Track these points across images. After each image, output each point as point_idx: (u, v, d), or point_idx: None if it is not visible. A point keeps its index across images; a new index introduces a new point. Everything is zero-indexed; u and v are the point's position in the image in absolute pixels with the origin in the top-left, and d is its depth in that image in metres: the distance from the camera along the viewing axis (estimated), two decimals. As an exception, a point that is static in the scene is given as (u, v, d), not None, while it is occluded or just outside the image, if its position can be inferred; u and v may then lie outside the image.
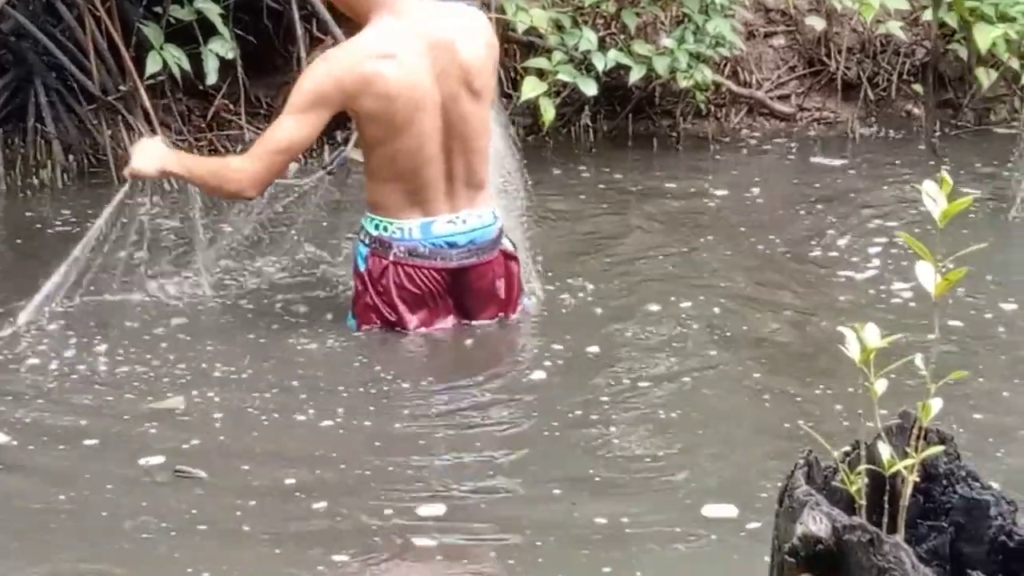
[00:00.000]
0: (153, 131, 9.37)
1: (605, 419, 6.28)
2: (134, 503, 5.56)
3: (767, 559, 3.84)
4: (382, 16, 6.76)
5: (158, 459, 5.85)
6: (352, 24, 7.12)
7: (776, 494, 3.97)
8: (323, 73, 6.71)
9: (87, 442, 6.12)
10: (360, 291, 6.97)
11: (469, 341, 7.04)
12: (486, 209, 7.03)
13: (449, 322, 7.06)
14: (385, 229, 6.86)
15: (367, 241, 6.90)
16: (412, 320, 6.95)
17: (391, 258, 6.86)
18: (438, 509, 5.50)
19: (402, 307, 6.92)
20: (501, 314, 7.17)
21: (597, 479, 5.79)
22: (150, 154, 6.74)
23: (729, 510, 5.52)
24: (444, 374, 6.78)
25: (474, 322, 7.12)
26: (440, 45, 6.83)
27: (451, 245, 6.92)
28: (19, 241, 8.59)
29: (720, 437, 6.16)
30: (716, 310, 7.50)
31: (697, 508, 5.59)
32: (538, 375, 6.65)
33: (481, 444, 6.10)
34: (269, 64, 9.94)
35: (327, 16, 9.45)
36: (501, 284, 7.15)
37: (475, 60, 6.90)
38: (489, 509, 5.62)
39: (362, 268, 6.92)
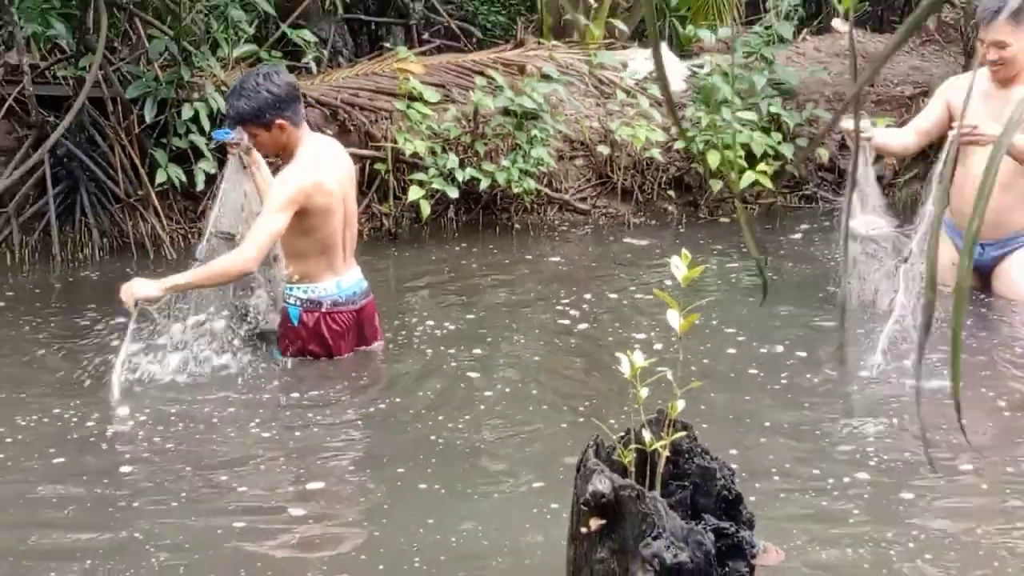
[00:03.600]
0: (162, 225, 9.33)
1: (446, 417, 6.27)
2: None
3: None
4: (306, 146, 6.75)
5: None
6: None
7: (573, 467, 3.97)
8: (293, 183, 6.60)
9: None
10: (292, 338, 6.87)
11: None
12: (357, 267, 7.07)
13: (354, 347, 7.02)
14: (313, 292, 6.83)
15: (298, 304, 6.83)
16: (342, 348, 6.92)
17: (323, 310, 6.84)
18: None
19: (332, 342, 6.87)
20: (381, 340, 7.18)
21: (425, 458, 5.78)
22: (147, 283, 6.50)
23: (542, 477, 5.53)
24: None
25: (372, 346, 7.11)
26: (340, 161, 6.94)
27: (354, 293, 6.93)
28: (69, 293, 8.50)
29: (534, 430, 6.15)
30: (540, 343, 7.50)
31: (520, 475, 5.59)
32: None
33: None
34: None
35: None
36: (377, 317, 7.19)
37: (352, 170, 7.06)
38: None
39: (296, 323, 6.85)
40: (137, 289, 6.45)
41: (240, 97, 6.65)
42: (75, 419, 6.17)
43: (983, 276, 7.70)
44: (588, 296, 8.31)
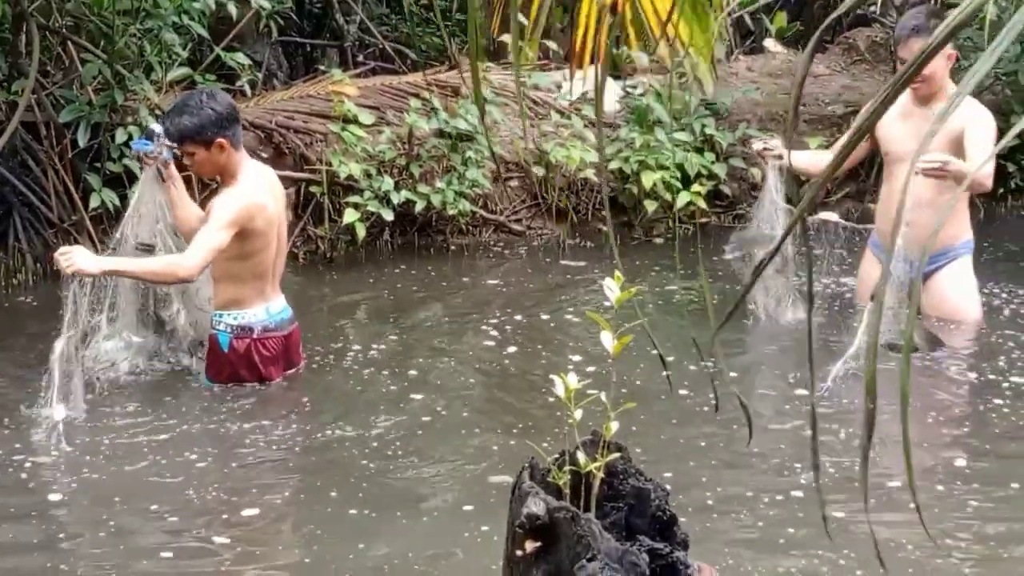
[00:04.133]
0: (96, 250, 9.26)
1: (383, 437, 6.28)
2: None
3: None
4: (247, 170, 6.80)
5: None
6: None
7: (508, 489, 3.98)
8: (237, 204, 6.63)
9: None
10: (222, 364, 6.84)
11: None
12: (282, 295, 7.07)
13: (283, 372, 7.02)
14: (243, 318, 6.81)
15: (228, 331, 6.81)
16: (272, 373, 6.90)
17: (254, 336, 6.82)
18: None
19: (263, 368, 6.86)
20: (304, 361, 7.18)
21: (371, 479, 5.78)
22: (88, 257, 6.47)
23: (473, 500, 5.55)
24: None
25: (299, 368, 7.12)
26: (277, 189, 6.98)
27: (282, 319, 6.93)
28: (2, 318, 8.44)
29: (467, 453, 6.17)
30: (475, 366, 7.51)
31: (452, 498, 5.61)
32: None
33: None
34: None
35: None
36: (300, 342, 7.19)
37: (284, 198, 7.14)
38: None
39: (226, 349, 6.82)
40: (79, 259, 6.38)
41: (183, 114, 6.65)
42: (1, 451, 6.12)
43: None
44: (523, 318, 8.34)
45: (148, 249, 6.86)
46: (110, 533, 5.25)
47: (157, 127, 6.89)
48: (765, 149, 7.90)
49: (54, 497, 5.62)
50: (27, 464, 5.96)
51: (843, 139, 8.20)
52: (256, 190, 6.77)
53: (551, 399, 4.44)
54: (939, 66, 7.50)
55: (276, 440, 6.30)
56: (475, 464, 5.99)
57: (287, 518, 5.55)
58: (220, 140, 6.67)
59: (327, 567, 4.96)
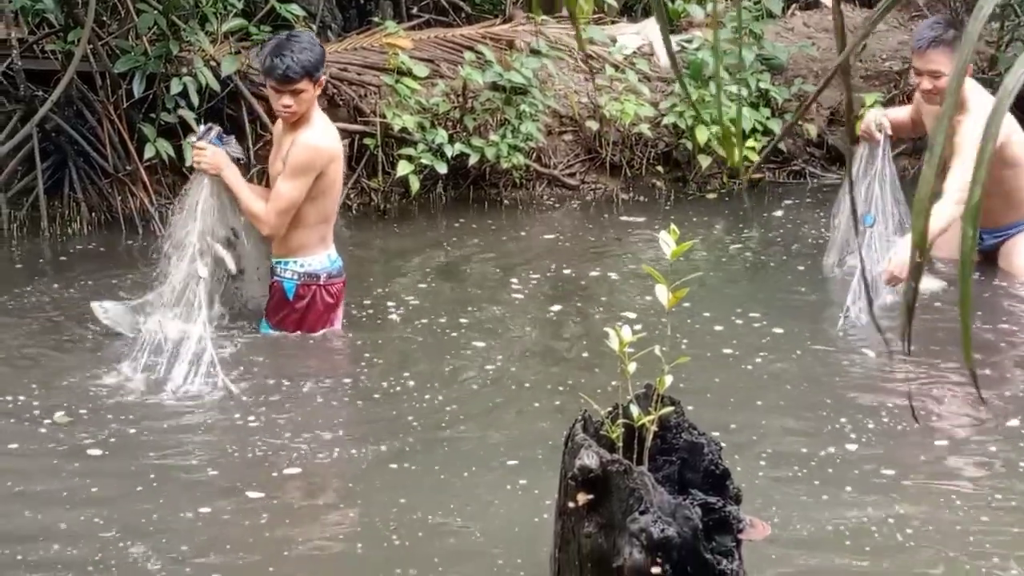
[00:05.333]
0: (151, 200, 9.31)
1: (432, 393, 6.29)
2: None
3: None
4: (319, 115, 6.83)
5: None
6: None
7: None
8: (316, 149, 6.68)
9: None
10: (287, 312, 6.85)
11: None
12: None
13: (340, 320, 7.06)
14: (310, 265, 6.82)
15: (295, 278, 6.82)
16: (333, 320, 6.95)
17: (320, 283, 6.83)
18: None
19: (326, 315, 6.89)
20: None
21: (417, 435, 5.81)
22: (222, 158, 6.60)
23: (519, 455, 5.54)
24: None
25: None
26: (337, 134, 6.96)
27: (340, 266, 6.96)
28: (56, 267, 8.50)
29: (518, 406, 6.17)
30: (528, 318, 7.52)
31: (503, 452, 5.61)
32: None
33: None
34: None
35: (267, 120, 9.47)
36: None
37: None
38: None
39: (291, 297, 6.83)
40: (214, 157, 6.60)
41: (301, 51, 6.63)
42: (40, 403, 6.16)
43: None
44: (577, 272, 8.34)
45: (233, 239, 6.81)
46: (149, 488, 5.24)
47: (218, 135, 6.83)
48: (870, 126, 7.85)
49: (94, 452, 5.60)
50: (69, 416, 5.95)
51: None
52: (330, 133, 6.85)
53: (605, 353, 4.44)
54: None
55: (325, 391, 6.31)
56: (524, 418, 6.00)
57: (330, 472, 5.52)
58: (323, 78, 6.80)
59: (369, 522, 4.97)
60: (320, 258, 6.85)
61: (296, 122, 6.73)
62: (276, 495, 5.22)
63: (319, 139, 6.73)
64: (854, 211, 7.17)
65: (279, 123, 7.04)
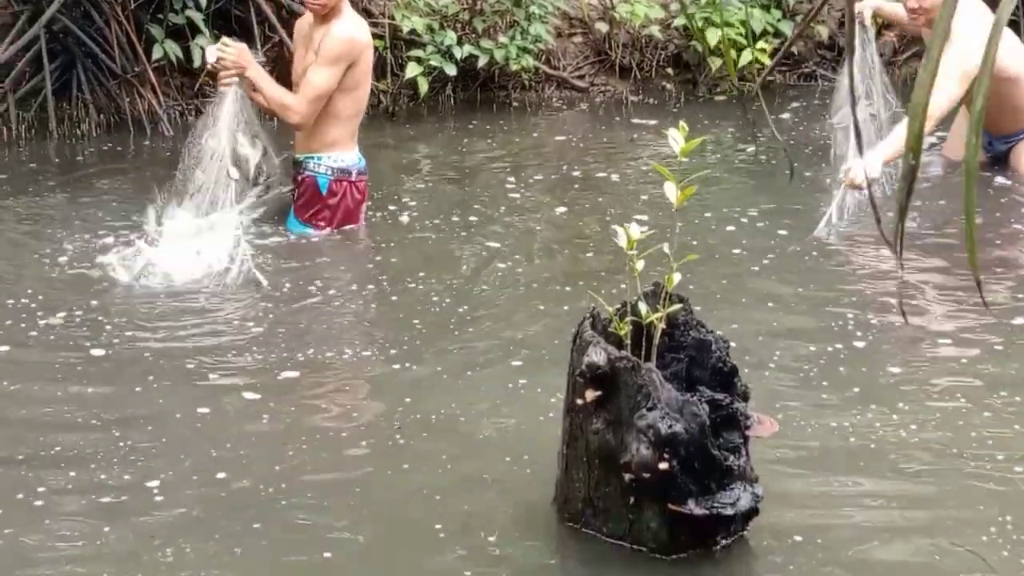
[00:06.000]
0: (159, 101, 9.30)
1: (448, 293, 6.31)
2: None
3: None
4: (348, 7, 6.81)
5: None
6: (294, 23, 7.15)
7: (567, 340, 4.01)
8: (347, 38, 6.70)
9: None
10: (319, 208, 6.84)
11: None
12: None
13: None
14: (343, 160, 6.85)
15: (328, 172, 6.84)
16: (360, 217, 7.02)
17: (352, 178, 6.85)
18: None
19: (355, 211, 6.94)
20: None
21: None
22: (247, 55, 6.58)
23: (525, 354, 5.56)
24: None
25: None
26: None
27: (365, 164, 6.98)
28: (64, 165, 8.50)
29: (528, 305, 6.19)
30: (536, 217, 7.52)
31: (511, 351, 5.63)
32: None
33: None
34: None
35: (275, 21, 9.45)
36: None
37: None
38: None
39: (324, 192, 6.85)
40: (239, 56, 6.56)
41: None
42: (48, 298, 6.20)
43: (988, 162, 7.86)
44: (586, 172, 8.34)
45: (232, 176, 6.75)
46: (148, 387, 5.22)
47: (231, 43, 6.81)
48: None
49: (96, 352, 5.57)
50: (76, 315, 5.95)
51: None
52: (362, 25, 6.89)
53: (614, 251, 4.47)
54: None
55: (337, 294, 6.30)
56: (531, 318, 6.00)
57: (335, 372, 5.50)
58: None
59: (373, 422, 4.98)
60: (351, 154, 6.89)
61: (325, 16, 6.73)
62: (273, 394, 5.20)
63: (353, 30, 6.76)
64: (858, 138, 7.18)
65: (303, 20, 7.02)
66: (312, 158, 6.88)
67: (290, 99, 6.70)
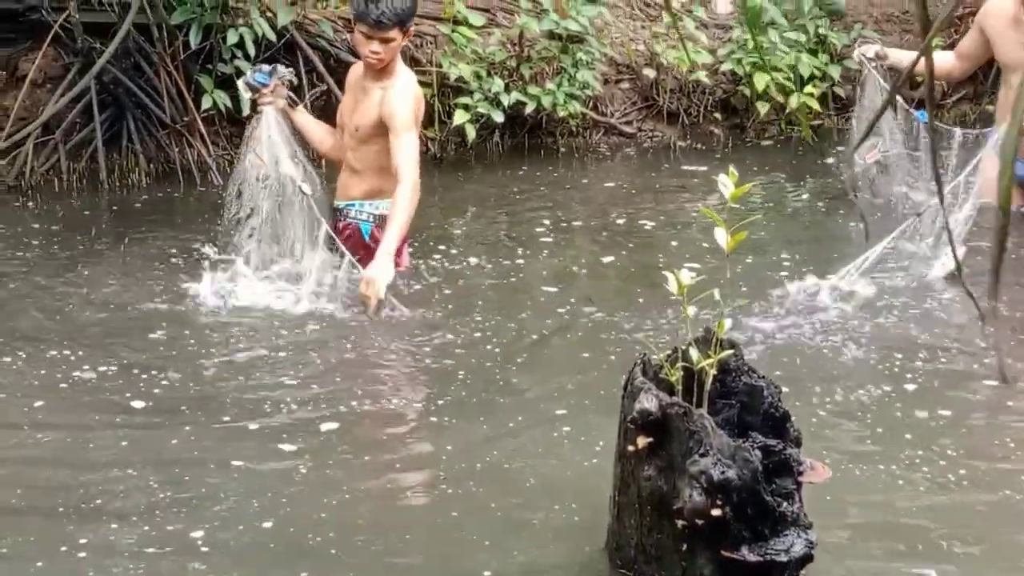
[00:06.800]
0: (208, 150, 9.36)
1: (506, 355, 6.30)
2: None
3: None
4: (400, 63, 6.84)
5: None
6: (342, 72, 7.18)
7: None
8: (412, 98, 6.76)
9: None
10: (363, 256, 6.70)
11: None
12: None
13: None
14: (384, 207, 6.78)
15: (370, 220, 6.85)
16: (402, 261, 6.94)
17: None
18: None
19: (398, 256, 6.81)
20: None
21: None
22: (385, 269, 6.41)
23: (582, 400, 5.54)
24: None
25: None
26: None
27: None
28: (116, 215, 8.57)
29: (575, 351, 6.16)
30: (585, 263, 7.51)
31: (556, 398, 5.60)
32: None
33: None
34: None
35: (323, 70, 9.52)
36: None
37: None
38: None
39: (367, 238, 6.83)
40: (382, 279, 6.39)
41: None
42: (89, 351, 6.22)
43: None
44: (634, 218, 8.33)
45: (305, 191, 6.79)
46: (186, 438, 5.19)
47: (263, 67, 6.90)
48: (864, 57, 7.89)
49: (136, 403, 5.54)
50: (115, 367, 5.93)
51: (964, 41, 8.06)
52: (414, 79, 6.93)
53: (663, 297, 4.44)
54: None
55: (378, 342, 6.25)
56: (578, 365, 5.97)
57: (378, 420, 5.49)
58: (412, 28, 6.83)
59: (419, 471, 4.95)
60: (386, 202, 6.83)
61: (382, 71, 6.75)
62: (319, 446, 5.14)
63: (413, 87, 6.82)
64: (940, 195, 7.16)
65: (356, 69, 7.05)
66: (353, 205, 6.90)
67: (408, 187, 6.60)
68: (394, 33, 6.61)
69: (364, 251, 6.81)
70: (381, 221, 6.80)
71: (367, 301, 6.37)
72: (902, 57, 7.92)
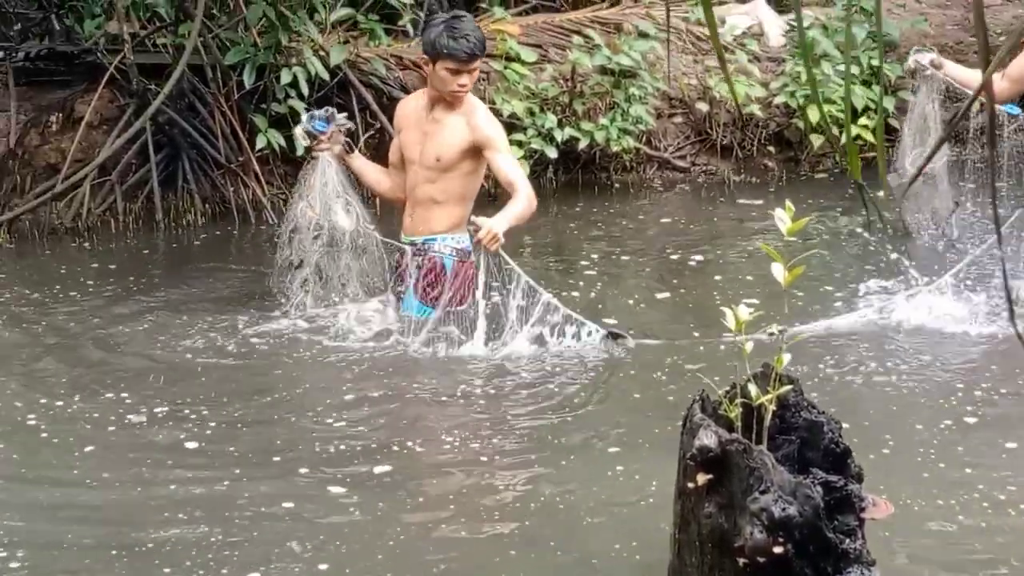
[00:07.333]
0: (263, 190, 9.41)
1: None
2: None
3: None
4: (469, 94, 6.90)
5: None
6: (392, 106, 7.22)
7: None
8: (495, 121, 6.91)
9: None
10: (444, 288, 6.75)
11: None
12: None
13: None
14: (463, 242, 6.82)
15: (454, 254, 6.84)
16: (468, 298, 6.85)
17: (471, 259, 6.78)
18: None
19: (470, 289, 6.79)
20: None
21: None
22: (500, 222, 6.49)
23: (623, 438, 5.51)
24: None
25: None
26: None
27: None
28: (171, 256, 8.62)
29: (630, 387, 6.14)
30: (641, 298, 7.49)
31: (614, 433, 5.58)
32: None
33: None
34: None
35: (376, 109, 9.56)
36: None
37: None
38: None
39: (449, 272, 6.81)
40: (498, 230, 6.46)
41: (475, 29, 6.80)
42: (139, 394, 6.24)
43: None
44: (691, 252, 8.31)
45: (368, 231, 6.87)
46: (237, 480, 5.21)
47: (320, 113, 6.95)
48: (919, 64, 7.87)
49: (191, 444, 5.58)
50: (162, 410, 5.95)
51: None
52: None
53: (719, 332, 4.41)
54: None
55: (434, 383, 6.27)
56: (630, 403, 5.94)
57: (432, 460, 5.50)
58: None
59: (474, 512, 4.92)
60: (465, 236, 6.83)
61: (454, 103, 6.81)
62: (370, 488, 5.14)
63: (491, 115, 6.93)
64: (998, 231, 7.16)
65: (411, 104, 7.10)
66: (434, 239, 6.88)
67: (524, 196, 6.65)
68: (478, 63, 6.78)
69: (445, 285, 6.76)
70: (462, 254, 6.82)
71: (488, 243, 6.43)
72: (957, 71, 7.89)
